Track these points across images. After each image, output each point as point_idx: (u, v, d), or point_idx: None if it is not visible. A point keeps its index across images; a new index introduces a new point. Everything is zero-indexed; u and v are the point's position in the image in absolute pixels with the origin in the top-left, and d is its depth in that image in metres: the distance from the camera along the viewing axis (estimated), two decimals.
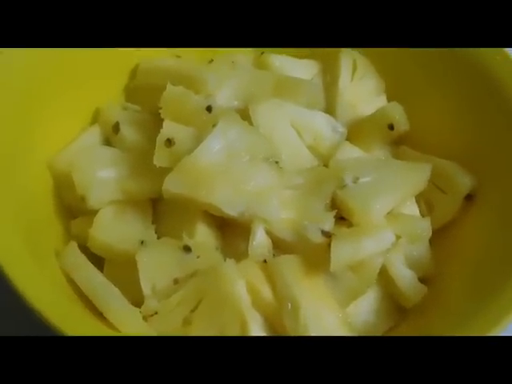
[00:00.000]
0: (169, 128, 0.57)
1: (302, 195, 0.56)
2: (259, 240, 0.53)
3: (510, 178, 0.58)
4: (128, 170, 0.59)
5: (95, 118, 0.65)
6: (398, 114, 0.61)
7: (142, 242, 0.54)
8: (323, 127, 0.61)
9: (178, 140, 0.56)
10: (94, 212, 0.58)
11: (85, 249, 0.57)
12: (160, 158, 0.56)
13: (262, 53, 0.68)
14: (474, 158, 0.61)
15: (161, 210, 0.59)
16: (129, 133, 0.62)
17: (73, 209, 0.60)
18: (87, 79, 0.63)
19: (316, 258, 0.54)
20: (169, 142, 0.56)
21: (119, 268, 0.56)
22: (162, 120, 0.59)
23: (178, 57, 0.67)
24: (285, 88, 0.62)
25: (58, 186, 0.60)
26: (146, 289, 0.53)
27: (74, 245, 0.54)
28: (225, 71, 0.62)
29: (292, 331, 0.51)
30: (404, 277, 0.57)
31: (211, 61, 0.67)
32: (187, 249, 0.53)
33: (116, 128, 0.62)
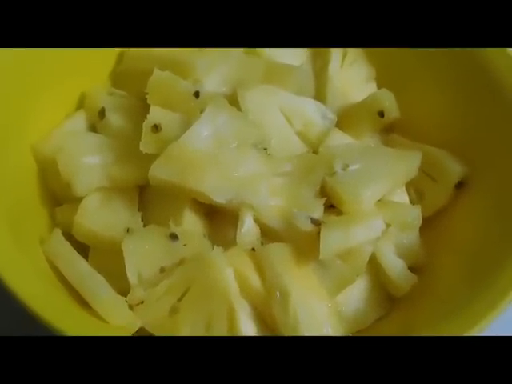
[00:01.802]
0: (156, 113, 0.56)
1: (290, 182, 0.55)
2: (247, 228, 0.53)
3: (502, 166, 0.57)
4: (114, 157, 0.58)
5: (81, 104, 0.63)
6: (388, 101, 0.60)
7: (128, 230, 0.53)
8: (313, 114, 0.60)
9: (165, 126, 0.55)
10: (80, 199, 0.57)
11: (70, 236, 0.56)
12: (146, 144, 0.55)
13: None
14: (465, 146, 0.60)
15: (147, 198, 0.58)
16: (114, 119, 0.61)
17: (58, 196, 0.59)
18: (74, 66, 0.62)
19: (305, 247, 0.53)
20: (155, 128, 0.55)
21: (104, 256, 0.55)
22: (149, 106, 0.58)
23: None
24: (274, 74, 0.61)
25: (42, 173, 0.59)
26: (132, 277, 0.52)
27: (58, 232, 0.53)
28: (214, 57, 0.61)
29: (281, 320, 0.50)
30: (394, 266, 0.56)
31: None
32: (174, 236, 0.52)
33: (102, 114, 0.61)
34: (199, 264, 0.51)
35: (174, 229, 0.52)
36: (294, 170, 0.55)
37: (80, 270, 0.51)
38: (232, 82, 0.60)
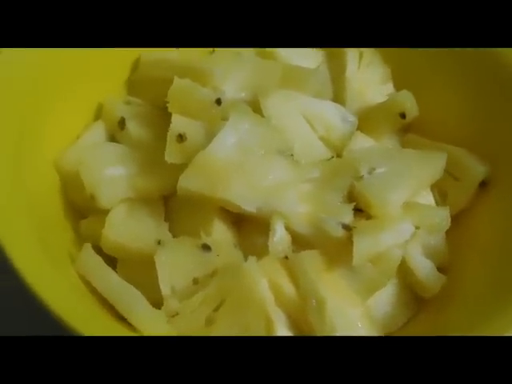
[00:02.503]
0: (179, 123, 0.56)
1: (318, 188, 0.55)
2: (279, 236, 0.52)
3: None
4: (137, 167, 0.57)
5: (98, 114, 0.63)
6: (409, 103, 0.60)
7: (160, 242, 0.52)
8: (334, 117, 0.60)
9: (189, 135, 0.55)
10: (104, 211, 0.56)
11: (96, 249, 0.55)
12: (172, 154, 0.55)
13: None
14: (484, 144, 0.60)
15: (173, 208, 0.57)
16: (135, 128, 0.60)
17: (81, 209, 0.58)
18: (88, 74, 0.61)
19: (335, 252, 0.53)
20: (180, 138, 0.55)
21: (133, 268, 0.55)
22: (168, 114, 0.58)
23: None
24: (292, 78, 0.60)
25: (65, 186, 0.58)
26: (165, 289, 0.52)
27: (88, 247, 0.53)
28: (230, 62, 0.61)
29: (318, 328, 0.50)
30: (423, 267, 0.56)
31: (213, 51, 0.66)
32: (206, 247, 0.52)
33: (122, 124, 0.60)
34: (234, 275, 0.51)
35: (205, 239, 0.52)
36: (321, 176, 0.55)
37: (113, 284, 0.50)
38: (250, 87, 0.60)
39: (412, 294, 0.57)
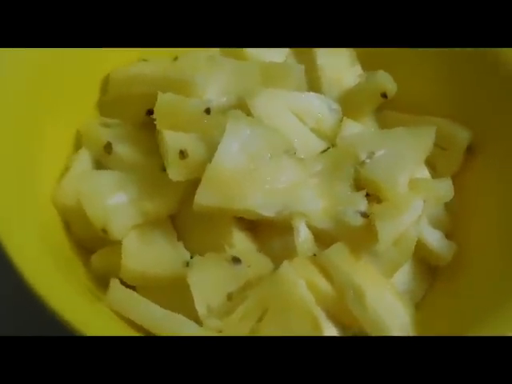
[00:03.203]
0: (174, 139, 0.55)
1: (326, 182, 0.55)
2: (304, 235, 0.53)
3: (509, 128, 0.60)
4: (138, 191, 0.56)
5: (78, 142, 0.60)
6: (389, 82, 0.61)
7: (188, 264, 0.52)
8: (321, 108, 0.60)
9: (190, 150, 0.54)
10: (114, 242, 0.55)
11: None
12: (176, 173, 0.54)
13: None
14: (464, 114, 0.62)
15: (185, 226, 0.56)
16: (123, 151, 0.59)
17: (86, 243, 0.56)
18: (57, 103, 0.59)
19: (356, 240, 0.54)
20: (182, 154, 0.53)
21: (155, 294, 0.53)
22: (150, 130, 0.57)
23: (145, 60, 0.63)
24: (272, 75, 0.60)
25: (64, 220, 0.56)
26: (201, 310, 0.51)
27: (116, 282, 0.51)
28: (208, 68, 0.60)
29: (361, 317, 0.51)
30: (434, 238, 0.58)
31: (176, 58, 0.65)
32: (236, 260, 0.52)
33: (108, 148, 0.58)
34: (272, 282, 0.51)
35: (234, 252, 0.52)
36: (325, 169, 0.56)
37: (155, 314, 0.49)
38: (231, 90, 0.60)
39: (425, 266, 0.59)
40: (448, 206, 0.61)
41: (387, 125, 0.63)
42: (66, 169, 0.58)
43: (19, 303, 0.54)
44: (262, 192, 0.52)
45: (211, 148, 0.54)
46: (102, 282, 0.54)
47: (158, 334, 0.48)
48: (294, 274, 0.50)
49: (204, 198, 0.52)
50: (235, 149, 0.53)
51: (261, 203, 0.52)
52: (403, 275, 0.57)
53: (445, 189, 0.57)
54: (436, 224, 0.59)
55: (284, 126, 0.57)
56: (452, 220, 0.61)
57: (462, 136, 0.61)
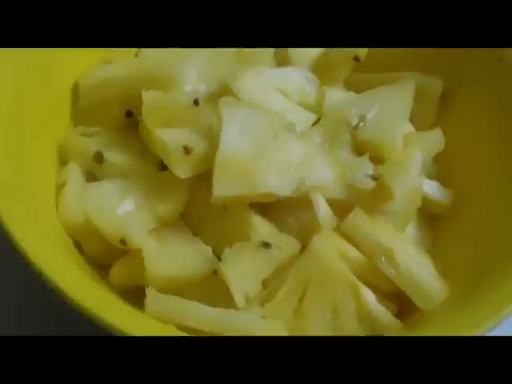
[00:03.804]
0: (172, 136, 0.54)
1: (329, 152, 0.56)
2: (324, 208, 0.53)
3: (480, 78, 0.62)
4: (144, 195, 0.55)
5: (63, 155, 0.58)
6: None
7: (220, 258, 0.51)
8: (301, 80, 0.60)
9: (192, 145, 0.53)
10: (129, 252, 0.53)
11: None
12: (182, 169, 0.53)
13: None
14: (433, 66, 0.64)
15: (196, 222, 0.55)
16: (115, 157, 0.57)
17: (99, 259, 0.55)
18: (32, 118, 0.56)
19: (369, 203, 0.55)
20: (186, 150, 0.53)
21: (184, 296, 0.52)
22: (133, 131, 0.57)
23: (110, 62, 0.61)
24: (245, 57, 0.60)
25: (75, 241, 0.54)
26: (241, 301, 0.51)
27: (152, 290, 0.50)
28: (178, 60, 0.59)
29: (395, 276, 0.52)
30: (431, 188, 0.59)
31: (136, 55, 0.63)
32: (267, 245, 0.51)
33: (99, 158, 0.57)
34: (308, 259, 0.51)
35: (258, 238, 0.51)
36: (324, 140, 0.56)
37: (209, 314, 0.48)
38: (211, 77, 0.59)
39: (427, 216, 0.60)
40: (435, 156, 0.62)
41: (361, 87, 0.63)
42: (61, 185, 0.55)
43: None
44: (277, 172, 0.52)
45: (212, 139, 0.53)
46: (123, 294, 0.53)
47: (220, 334, 0.47)
48: (327, 247, 0.51)
49: (222, 188, 0.51)
50: (237, 135, 0.53)
51: (279, 184, 0.52)
52: (411, 228, 0.59)
53: (437, 139, 0.59)
54: (428, 175, 0.60)
55: (272, 104, 0.57)
56: (440, 169, 0.62)
57: (435, 85, 0.63)
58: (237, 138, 0.52)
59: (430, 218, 0.61)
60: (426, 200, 0.59)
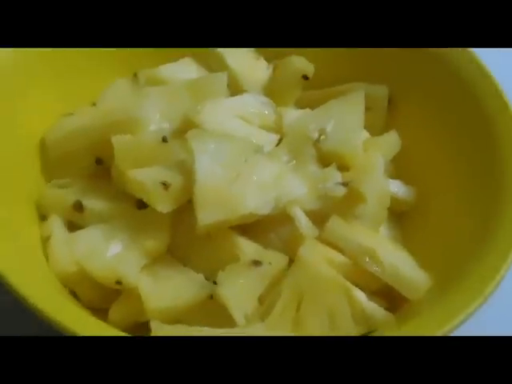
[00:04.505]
0: (147, 175, 0.56)
1: (297, 168, 0.58)
2: (304, 220, 0.56)
3: (423, 81, 0.67)
4: (130, 236, 0.56)
5: (41, 210, 0.59)
6: (306, 64, 0.65)
7: (215, 282, 0.53)
8: (257, 105, 0.63)
9: (170, 180, 0.55)
10: (123, 292, 0.55)
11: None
12: (164, 204, 0.55)
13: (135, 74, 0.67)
14: (378, 74, 0.68)
15: (182, 253, 0.57)
16: (94, 204, 0.58)
17: (95, 303, 0.56)
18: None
19: (343, 209, 0.58)
20: (164, 186, 0.55)
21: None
22: (104, 175, 0.59)
23: (71, 114, 0.63)
24: (199, 90, 0.62)
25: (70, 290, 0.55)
26: (240, 320, 0.53)
27: (157, 323, 0.52)
28: (137, 103, 0.61)
29: (382, 275, 0.55)
30: (395, 186, 0.63)
31: (94, 104, 0.65)
32: (257, 263, 0.54)
33: (79, 207, 0.58)
34: (299, 270, 0.53)
35: (252, 256, 0.54)
36: (290, 158, 0.59)
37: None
38: (171, 115, 0.61)
39: (393, 215, 0.64)
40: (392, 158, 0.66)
41: (314, 104, 0.66)
42: (46, 238, 0.56)
43: None
44: (254, 193, 0.54)
45: (186, 172, 0.56)
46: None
47: None
48: (314, 255, 0.53)
49: (206, 217, 0.53)
50: (210, 164, 0.55)
51: (258, 204, 0.54)
52: (383, 228, 0.62)
53: (393, 141, 0.63)
54: (390, 175, 0.64)
55: (236, 130, 0.60)
56: (398, 169, 0.66)
57: (381, 93, 0.67)
58: (210, 167, 0.55)
59: (397, 216, 0.64)
60: (392, 199, 0.62)
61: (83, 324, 0.47)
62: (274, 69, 0.68)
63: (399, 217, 0.64)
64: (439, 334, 0.48)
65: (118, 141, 0.57)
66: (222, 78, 0.63)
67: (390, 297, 0.57)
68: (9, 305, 0.51)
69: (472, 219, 0.59)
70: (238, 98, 0.63)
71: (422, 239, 0.63)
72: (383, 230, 0.62)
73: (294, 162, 0.59)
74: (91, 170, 0.61)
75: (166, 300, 0.53)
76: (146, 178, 0.55)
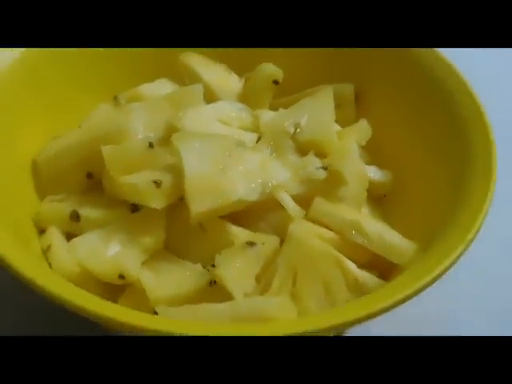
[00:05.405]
0: (138, 178, 0.59)
1: (278, 158, 0.62)
2: (291, 203, 0.59)
3: (388, 77, 0.71)
4: (127, 237, 0.58)
5: (38, 225, 0.62)
6: (275, 70, 0.70)
7: (214, 265, 0.56)
8: (234, 110, 0.67)
9: (161, 177, 0.58)
10: (124, 290, 0.58)
11: None
12: (157, 201, 0.58)
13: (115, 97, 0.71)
14: (345, 74, 0.73)
15: (176, 249, 0.60)
16: (89, 212, 0.61)
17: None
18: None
19: (325, 193, 0.61)
20: (156, 184, 0.58)
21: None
22: (96, 191, 0.61)
23: (58, 137, 0.66)
24: (179, 101, 0.66)
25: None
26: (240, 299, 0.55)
27: (162, 307, 0.54)
28: (123, 117, 0.64)
29: (369, 245, 0.58)
30: (371, 171, 0.67)
31: (79, 126, 0.69)
32: (252, 243, 0.57)
33: (75, 217, 0.61)
34: (291, 246, 0.56)
35: (246, 238, 0.57)
36: (271, 150, 0.63)
37: (226, 309, 0.53)
38: (155, 126, 0.64)
39: (372, 199, 0.67)
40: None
41: (283, 108, 0.70)
42: (47, 248, 0.59)
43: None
44: (242, 181, 0.58)
45: (175, 172, 0.59)
46: None
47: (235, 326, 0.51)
48: (304, 231, 0.57)
49: (198, 205, 0.56)
50: (198, 161, 0.58)
51: (246, 191, 0.57)
52: (363, 209, 0.65)
53: (364, 128, 0.67)
54: (364, 161, 0.68)
55: (217, 132, 0.63)
56: (371, 156, 0.70)
57: (348, 90, 0.72)
58: (197, 163, 0.58)
59: (376, 201, 0.68)
60: (370, 184, 0.65)
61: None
62: (246, 81, 0.72)
63: (377, 201, 0.67)
64: (423, 283, 0.50)
65: (107, 150, 0.60)
66: (198, 88, 0.67)
67: (379, 269, 0.60)
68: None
69: (444, 193, 0.62)
70: (215, 104, 0.67)
71: (400, 218, 0.66)
72: (364, 211, 0.65)
73: (275, 154, 0.62)
74: (83, 185, 0.64)
75: (169, 289, 0.56)
76: (137, 180, 0.58)
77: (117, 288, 0.57)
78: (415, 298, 0.50)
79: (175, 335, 0.46)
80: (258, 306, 0.53)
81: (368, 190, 0.65)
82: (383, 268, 0.59)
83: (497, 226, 0.63)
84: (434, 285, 0.51)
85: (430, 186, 0.65)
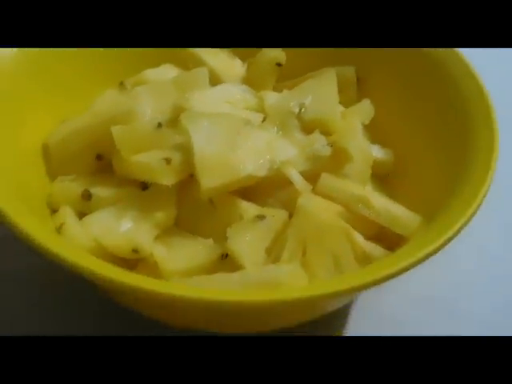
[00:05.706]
0: (149, 156, 0.60)
1: (285, 136, 0.64)
2: (299, 178, 0.60)
3: (387, 61, 0.73)
4: (138, 213, 0.60)
5: (50, 205, 0.63)
6: (278, 52, 0.71)
7: (227, 238, 0.57)
8: (238, 92, 0.68)
9: (171, 155, 0.60)
10: (136, 265, 0.59)
11: None
12: (168, 177, 0.59)
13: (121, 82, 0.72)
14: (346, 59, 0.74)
15: (187, 225, 0.61)
16: (101, 191, 0.62)
17: None
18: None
19: (331, 169, 0.63)
20: (166, 161, 0.59)
21: None
22: (106, 172, 0.62)
23: (66, 120, 0.67)
24: (185, 84, 0.68)
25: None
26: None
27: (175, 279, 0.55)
28: (131, 100, 0.66)
29: (377, 218, 0.59)
30: (374, 149, 0.68)
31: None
32: (262, 216, 0.58)
33: (87, 195, 0.62)
34: (300, 218, 0.58)
35: (256, 211, 0.58)
36: (277, 129, 0.64)
37: (238, 278, 0.54)
38: (162, 108, 0.66)
39: (375, 178, 0.69)
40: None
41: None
42: (59, 226, 0.60)
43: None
44: (251, 157, 0.59)
45: (184, 150, 0.60)
46: None
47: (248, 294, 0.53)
48: (313, 204, 0.58)
49: (208, 181, 0.57)
50: (206, 139, 0.60)
51: (255, 166, 0.59)
52: (367, 187, 0.67)
53: (367, 108, 0.68)
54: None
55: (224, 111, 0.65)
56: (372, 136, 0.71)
57: (349, 73, 0.73)
58: (206, 141, 0.59)
59: (379, 179, 0.69)
60: (373, 162, 0.67)
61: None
62: (249, 65, 0.74)
63: (381, 180, 0.69)
64: (427, 252, 0.52)
65: (117, 130, 0.61)
66: (203, 72, 0.68)
67: (385, 243, 0.61)
68: None
69: (446, 171, 0.63)
70: (220, 86, 0.68)
71: (403, 196, 0.67)
72: (368, 190, 0.66)
73: (281, 132, 0.64)
74: (93, 167, 0.65)
75: (181, 263, 0.57)
76: (148, 158, 0.60)
77: (129, 263, 0.58)
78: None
79: (189, 299, 0.47)
80: (270, 273, 0.54)
81: (371, 169, 0.66)
82: (389, 242, 0.61)
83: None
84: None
85: (432, 164, 0.67)
